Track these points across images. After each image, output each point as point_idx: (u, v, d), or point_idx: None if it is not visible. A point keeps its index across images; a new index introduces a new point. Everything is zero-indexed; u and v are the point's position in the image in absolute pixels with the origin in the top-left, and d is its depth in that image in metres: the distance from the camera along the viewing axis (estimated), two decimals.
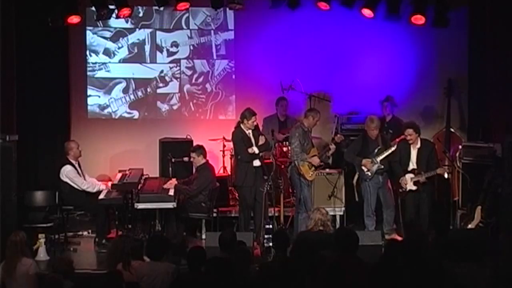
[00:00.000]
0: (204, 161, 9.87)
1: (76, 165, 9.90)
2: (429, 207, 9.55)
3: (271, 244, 8.77)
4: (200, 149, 9.90)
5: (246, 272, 6.63)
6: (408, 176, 9.50)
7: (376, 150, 9.67)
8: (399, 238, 9.10)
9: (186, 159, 10.20)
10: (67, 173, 9.76)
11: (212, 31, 11.81)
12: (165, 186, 9.69)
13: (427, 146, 9.60)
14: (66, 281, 6.61)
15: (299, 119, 10.22)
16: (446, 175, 9.69)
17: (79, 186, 9.77)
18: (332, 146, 9.86)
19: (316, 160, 9.65)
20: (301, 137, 9.64)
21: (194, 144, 10.40)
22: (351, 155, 9.81)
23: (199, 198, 9.68)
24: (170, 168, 10.27)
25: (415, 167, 9.52)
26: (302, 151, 9.61)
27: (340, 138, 9.98)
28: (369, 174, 9.67)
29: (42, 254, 8.93)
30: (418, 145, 9.52)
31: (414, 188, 9.47)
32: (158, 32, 11.75)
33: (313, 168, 9.68)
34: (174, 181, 9.82)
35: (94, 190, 9.85)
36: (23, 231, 7.40)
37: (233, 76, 11.87)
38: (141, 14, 11.67)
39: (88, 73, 11.68)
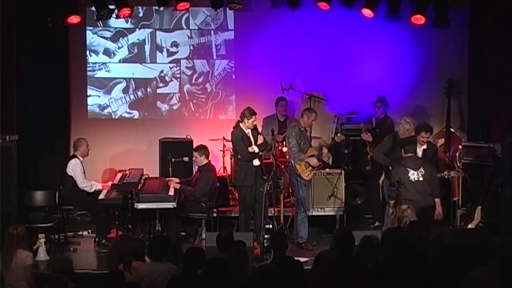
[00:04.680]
0: (206, 161, 9.85)
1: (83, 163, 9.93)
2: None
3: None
4: (203, 149, 9.88)
5: (243, 272, 6.63)
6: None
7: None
8: None
9: (186, 159, 10.20)
10: (73, 166, 9.78)
11: (212, 31, 11.81)
12: (169, 183, 9.68)
13: (431, 147, 9.56)
14: (68, 281, 6.62)
15: (298, 119, 10.22)
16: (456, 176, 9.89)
17: (79, 184, 9.78)
18: (324, 150, 9.84)
19: (314, 161, 9.64)
20: (298, 136, 9.62)
21: (195, 144, 10.39)
22: (380, 155, 9.58)
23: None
24: (170, 168, 10.26)
25: None
26: (299, 151, 9.60)
27: (341, 137, 9.99)
28: None
29: (42, 254, 8.93)
30: (425, 146, 9.48)
31: None
32: (158, 32, 11.74)
33: (310, 168, 9.66)
34: (177, 180, 9.81)
35: (91, 190, 9.86)
36: (23, 226, 7.46)
37: (233, 76, 11.87)
38: (141, 14, 11.67)
39: (88, 73, 11.68)
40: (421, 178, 8.77)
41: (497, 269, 6.08)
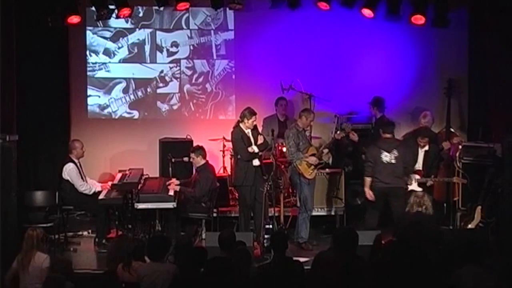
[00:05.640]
0: (203, 162, 9.86)
1: (78, 165, 9.91)
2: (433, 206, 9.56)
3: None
4: (200, 150, 9.88)
5: (245, 272, 6.63)
6: (413, 176, 9.47)
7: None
8: None
9: (186, 159, 10.19)
10: (69, 171, 9.77)
11: (212, 31, 11.81)
12: (168, 187, 9.67)
13: (434, 149, 9.65)
14: (66, 281, 6.62)
15: (296, 120, 10.22)
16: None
17: (77, 187, 9.78)
18: (325, 150, 9.89)
19: (312, 159, 9.64)
20: (295, 136, 9.63)
21: (194, 144, 10.41)
22: None
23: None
24: (170, 168, 10.26)
25: (420, 168, 9.54)
26: (297, 151, 9.60)
27: (341, 134, 9.99)
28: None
29: None
30: (427, 148, 9.55)
31: (419, 189, 9.43)
32: (158, 32, 11.75)
33: (312, 167, 9.67)
34: (175, 181, 9.81)
35: (91, 193, 9.85)
36: (41, 228, 7.51)
37: (233, 76, 11.87)
38: (141, 14, 11.68)
39: (88, 73, 11.68)
40: (393, 161, 9.10)
41: (490, 268, 6.11)
